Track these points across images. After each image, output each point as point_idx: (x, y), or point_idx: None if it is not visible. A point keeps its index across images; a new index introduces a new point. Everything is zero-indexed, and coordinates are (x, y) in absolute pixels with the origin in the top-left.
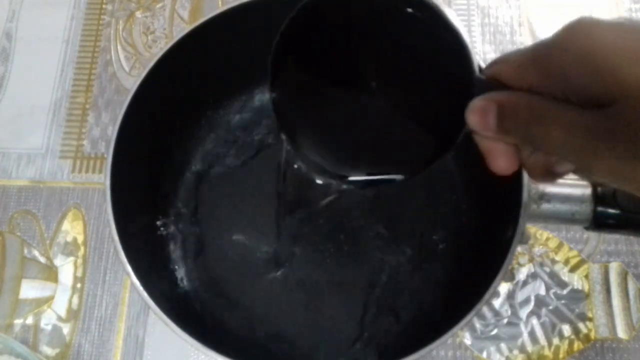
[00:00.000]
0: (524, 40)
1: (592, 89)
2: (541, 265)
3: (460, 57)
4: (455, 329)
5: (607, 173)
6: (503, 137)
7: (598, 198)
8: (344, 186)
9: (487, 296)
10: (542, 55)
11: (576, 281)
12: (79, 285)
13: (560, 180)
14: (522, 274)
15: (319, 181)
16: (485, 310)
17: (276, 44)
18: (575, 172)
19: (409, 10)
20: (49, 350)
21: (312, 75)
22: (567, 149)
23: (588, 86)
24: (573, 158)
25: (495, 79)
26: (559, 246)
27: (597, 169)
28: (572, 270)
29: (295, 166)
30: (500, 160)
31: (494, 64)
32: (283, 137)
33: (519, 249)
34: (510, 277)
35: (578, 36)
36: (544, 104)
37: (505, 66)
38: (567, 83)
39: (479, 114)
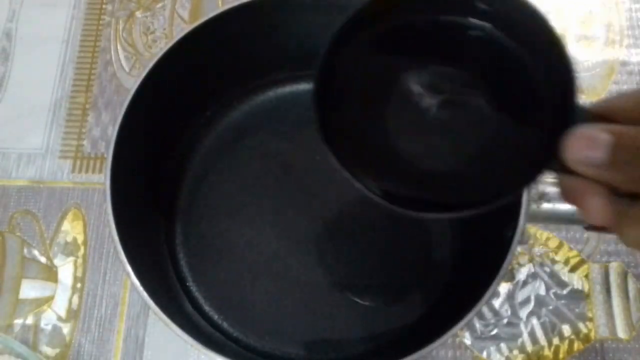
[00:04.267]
0: None
1: None
2: (541, 265)
3: (559, 77)
4: (455, 329)
5: None
6: (609, 175)
7: None
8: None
9: (487, 296)
10: None
11: (576, 281)
12: (79, 285)
13: None
14: (522, 274)
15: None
16: (485, 310)
17: (327, 53)
18: None
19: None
20: (49, 350)
21: (369, 95)
22: None
23: None
24: None
25: (603, 117)
26: (559, 246)
27: None
28: (572, 270)
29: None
30: (594, 206)
31: (603, 102)
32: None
33: (519, 249)
34: (510, 277)
35: None
36: None
37: (623, 99)
38: None
39: (584, 143)
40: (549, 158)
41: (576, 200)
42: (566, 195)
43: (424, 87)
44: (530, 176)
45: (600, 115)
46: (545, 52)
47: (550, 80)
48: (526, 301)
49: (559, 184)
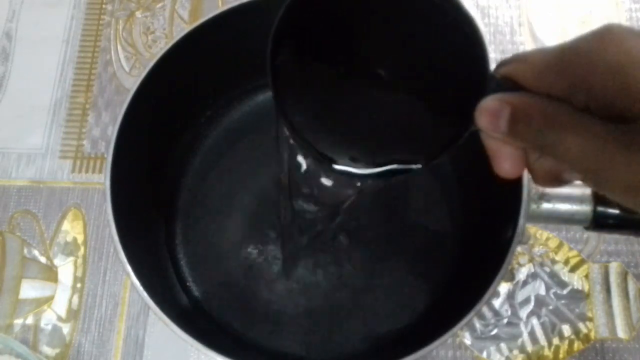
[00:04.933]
0: (524, 40)
1: (617, 104)
2: (541, 265)
3: (474, 52)
4: (455, 329)
5: (620, 190)
6: (512, 141)
7: (598, 198)
8: (357, 183)
9: (487, 296)
10: (567, 62)
11: (576, 281)
12: (79, 285)
13: None
14: (522, 274)
15: (328, 182)
16: (485, 310)
17: (276, 27)
18: (583, 180)
19: None
20: (49, 350)
21: (314, 62)
22: (580, 160)
23: (613, 100)
24: (585, 170)
25: (509, 79)
26: (559, 246)
27: (610, 184)
28: (572, 270)
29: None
30: (506, 163)
31: (509, 62)
32: (287, 132)
33: (519, 249)
34: (510, 277)
35: (609, 47)
36: (562, 111)
37: (524, 67)
38: (591, 94)
39: (489, 115)
40: (468, 124)
41: (492, 158)
42: (487, 152)
43: (364, 53)
44: (452, 141)
45: (509, 77)
46: (465, 31)
47: (469, 54)
48: (526, 301)
49: (484, 144)
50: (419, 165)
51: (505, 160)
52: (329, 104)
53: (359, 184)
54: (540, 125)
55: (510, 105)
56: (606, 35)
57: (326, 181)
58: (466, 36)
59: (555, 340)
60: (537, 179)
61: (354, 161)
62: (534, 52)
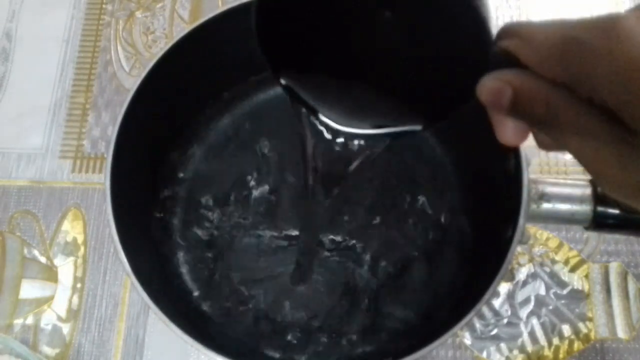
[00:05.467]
0: None
1: (623, 111)
2: (541, 265)
3: (477, 25)
4: (455, 329)
5: (616, 189)
6: (514, 117)
7: (598, 198)
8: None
9: (487, 296)
10: (570, 54)
11: (576, 281)
12: (79, 285)
13: (560, 180)
14: (522, 274)
15: (338, 141)
16: (485, 310)
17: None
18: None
19: None
20: (49, 350)
21: (312, 33)
22: (578, 154)
23: (619, 107)
24: (583, 162)
25: (512, 54)
26: (559, 246)
27: (606, 182)
28: (572, 270)
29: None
30: (509, 132)
31: (510, 35)
32: (289, 94)
33: (519, 249)
34: (510, 277)
35: (616, 46)
36: (564, 103)
37: (527, 49)
38: (596, 93)
39: (492, 94)
40: (469, 96)
41: (495, 127)
42: (491, 121)
43: (363, 18)
44: (452, 108)
45: (511, 53)
46: (469, 9)
47: (473, 28)
48: (526, 301)
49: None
50: (419, 128)
51: (508, 129)
52: (332, 69)
53: (362, 144)
54: (541, 113)
55: (512, 86)
56: (613, 32)
57: (334, 144)
58: (471, 11)
59: (555, 340)
60: (541, 146)
61: (356, 122)
62: (535, 32)
